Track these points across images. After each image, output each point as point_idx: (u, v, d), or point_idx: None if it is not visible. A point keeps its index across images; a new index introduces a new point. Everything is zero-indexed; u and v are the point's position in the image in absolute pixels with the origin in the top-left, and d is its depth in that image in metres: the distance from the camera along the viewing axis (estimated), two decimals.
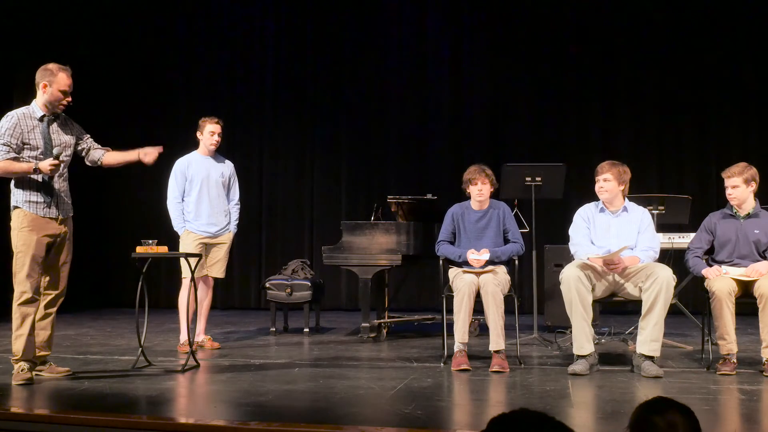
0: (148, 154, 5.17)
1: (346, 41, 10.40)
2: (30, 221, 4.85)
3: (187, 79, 10.67)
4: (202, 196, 6.43)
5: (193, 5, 10.76)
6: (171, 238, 6.38)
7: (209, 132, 6.47)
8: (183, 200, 6.43)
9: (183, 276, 6.21)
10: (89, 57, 10.12)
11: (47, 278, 4.99)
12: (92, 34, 10.38)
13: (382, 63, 10.29)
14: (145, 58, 10.64)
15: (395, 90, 10.25)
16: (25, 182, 4.88)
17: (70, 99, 4.98)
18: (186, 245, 6.33)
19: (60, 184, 4.99)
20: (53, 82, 4.91)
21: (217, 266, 6.51)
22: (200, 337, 6.44)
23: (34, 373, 4.89)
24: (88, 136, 5.23)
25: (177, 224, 6.43)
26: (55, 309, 5.08)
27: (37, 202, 4.88)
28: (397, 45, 10.31)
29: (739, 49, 9.43)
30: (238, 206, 6.68)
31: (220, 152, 6.63)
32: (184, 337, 6.18)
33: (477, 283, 5.43)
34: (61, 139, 5.01)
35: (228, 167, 6.63)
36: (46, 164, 4.77)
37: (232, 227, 6.61)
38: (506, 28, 10.02)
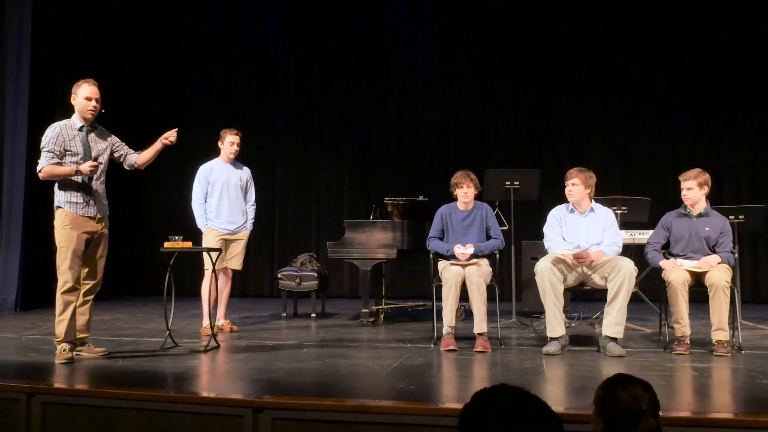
0: (168, 137, 5.13)
1: (348, 61, 10.38)
2: (71, 220, 4.88)
3: (209, 97, 10.63)
4: (222, 198, 6.42)
5: (212, 30, 10.75)
6: (195, 235, 6.36)
7: (229, 142, 6.47)
8: (206, 201, 6.43)
9: (205, 268, 6.20)
10: (123, 76, 10.14)
11: (86, 270, 5.01)
12: (123, 55, 10.37)
13: (380, 81, 10.27)
14: (173, 77, 10.63)
15: (392, 105, 10.24)
16: (66, 185, 4.90)
17: (96, 105, 4.99)
18: (208, 241, 6.32)
19: (97, 186, 5.01)
20: (78, 92, 4.97)
21: (235, 259, 6.50)
22: (220, 321, 6.43)
23: (74, 353, 4.91)
24: (124, 144, 5.24)
25: (200, 222, 6.42)
26: (92, 296, 5.10)
27: (77, 203, 4.91)
28: (394, 66, 10.29)
29: (692, 68, 9.43)
30: (254, 207, 6.67)
31: (239, 159, 6.62)
32: (206, 321, 6.17)
33: (463, 274, 5.43)
34: (99, 146, 5.06)
35: (245, 173, 6.62)
36: (86, 166, 4.83)
37: (249, 225, 6.60)
38: (488, 52, 10.01)
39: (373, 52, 10.33)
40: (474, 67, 10.06)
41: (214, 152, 6.59)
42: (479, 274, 5.37)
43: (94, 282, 5.07)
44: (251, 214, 6.62)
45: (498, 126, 9.94)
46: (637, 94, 9.60)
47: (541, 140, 9.85)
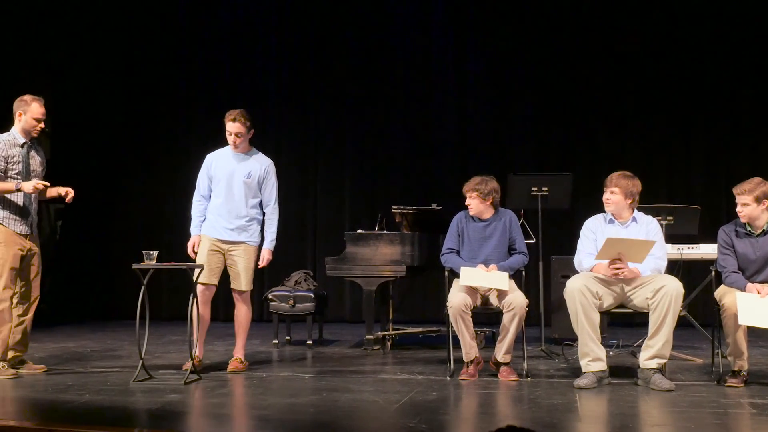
0: (66, 194, 5.64)
1: (351, 51, 10.37)
2: (6, 236, 5.45)
3: (190, 94, 10.63)
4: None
5: (199, 25, 10.78)
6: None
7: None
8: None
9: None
10: (104, 74, 10.22)
11: (22, 290, 5.56)
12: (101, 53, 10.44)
13: (386, 71, 10.25)
14: (157, 82, 10.67)
15: (400, 99, 10.23)
16: (5, 201, 5.47)
17: (42, 125, 5.64)
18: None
19: (34, 204, 5.63)
20: (27, 110, 5.57)
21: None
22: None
23: (16, 371, 5.45)
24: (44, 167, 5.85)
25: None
26: (29, 317, 5.59)
27: (15, 219, 5.50)
28: (402, 54, 10.27)
29: (747, 58, 9.43)
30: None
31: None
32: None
33: (469, 302, 5.42)
34: (35, 163, 5.68)
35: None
36: (30, 185, 5.41)
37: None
38: (511, 37, 10.00)
39: (379, 37, 10.32)
40: (494, 55, 10.06)
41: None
42: (522, 305, 5.37)
43: (28, 303, 5.59)
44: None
45: (523, 123, 9.94)
46: (683, 87, 9.57)
47: (573, 140, 9.84)
